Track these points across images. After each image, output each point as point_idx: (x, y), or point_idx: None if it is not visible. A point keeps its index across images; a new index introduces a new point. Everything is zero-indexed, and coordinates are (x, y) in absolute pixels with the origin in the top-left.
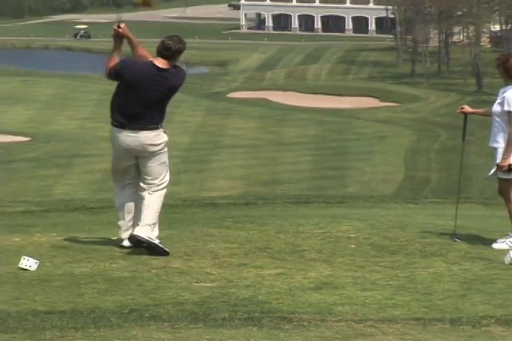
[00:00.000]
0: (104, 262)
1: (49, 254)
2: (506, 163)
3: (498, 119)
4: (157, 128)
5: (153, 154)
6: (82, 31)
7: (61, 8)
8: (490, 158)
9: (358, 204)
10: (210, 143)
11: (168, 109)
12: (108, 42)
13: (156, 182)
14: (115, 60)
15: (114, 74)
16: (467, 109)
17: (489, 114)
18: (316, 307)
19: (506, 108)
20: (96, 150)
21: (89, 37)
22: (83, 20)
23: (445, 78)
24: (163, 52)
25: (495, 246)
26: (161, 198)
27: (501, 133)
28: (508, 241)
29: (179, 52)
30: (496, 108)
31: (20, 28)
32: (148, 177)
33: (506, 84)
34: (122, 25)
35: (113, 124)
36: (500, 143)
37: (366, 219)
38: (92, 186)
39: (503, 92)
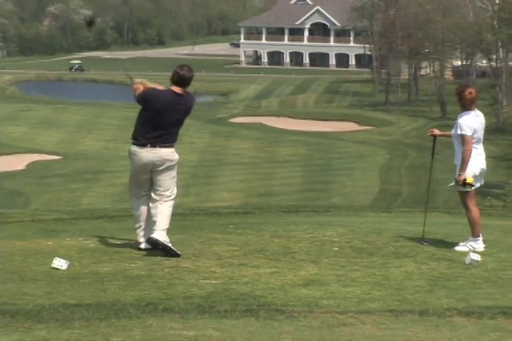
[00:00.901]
0: (124, 262)
1: (77, 256)
2: (461, 178)
3: (455, 141)
4: (173, 146)
5: (167, 168)
6: (76, 65)
7: (88, 46)
8: (453, 174)
9: (341, 213)
10: (214, 161)
11: (180, 132)
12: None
13: (167, 193)
14: (140, 88)
15: (141, 99)
16: (436, 132)
17: None
18: (305, 300)
19: (459, 131)
20: (117, 167)
21: (82, 70)
22: (107, 56)
23: (414, 106)
24: (179, 81)
25: (457, 248)
26: (171, 207)
27: (459, 153)
28: (468, 244)
29: (191, 79)
30: (453, 131)
31: (52, 63)
32: (161, 189)
33: (461, 111)
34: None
35: (135, 144)
36: (459, 161)
37: (347, 226)
38: (113, 197)
39: (458, 118)
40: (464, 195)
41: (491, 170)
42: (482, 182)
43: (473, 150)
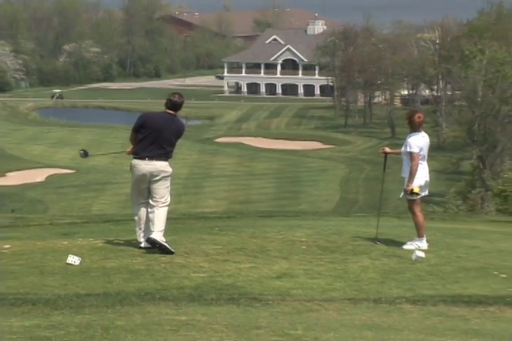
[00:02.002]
0: (127, 258)
1: (88, 253)
2: (409, 188)
3: (405, 157)
4: (167, 160)
5: (162, 179)
6: (57, 94)
7: (97, 78)
8: (401, 185)
9: (308, 217)
10: (202, 174)
11: (174, 150)
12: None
13: (162, 200)
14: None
15: (138, 126)
16: (387, 149)
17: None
18: (278, 290)
19: (408, 149)
20: (121, 179)
21: (62, 98)
22: (112, 87)
23: (369, 128)
24: (171, 106)
25: (405, 247)
26: (166, 212)
27: (407, 167)
28: (414, 243)
29: (182, 104)
30: (403, 149)
31: (67, 93)
32: (157, 196)
33: (410, 132)
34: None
35: (136, 157)
36: (406, 174)
37: (313, 228)
38: (118, 204)
39: (408, 138)
40: (411, 203)
41: (433, 182)
42: (426, 192)
43: (419, 165)
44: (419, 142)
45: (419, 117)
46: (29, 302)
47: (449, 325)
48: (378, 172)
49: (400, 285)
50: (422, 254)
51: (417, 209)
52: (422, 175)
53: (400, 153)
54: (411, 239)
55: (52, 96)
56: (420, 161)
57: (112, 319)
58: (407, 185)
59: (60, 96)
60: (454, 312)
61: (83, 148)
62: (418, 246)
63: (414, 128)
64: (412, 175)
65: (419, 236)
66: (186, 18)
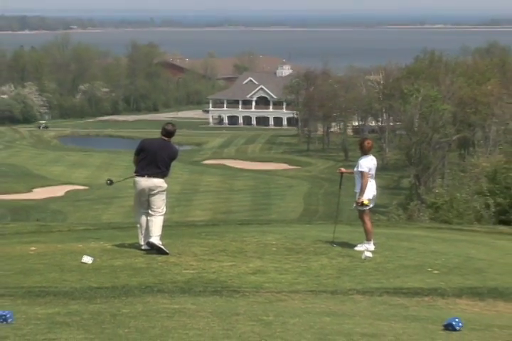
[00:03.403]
0: (131, 258)
1: (99, 254)
2: (360, 201)
3: (357, 176)
4: (163, 178)
5: (159, 193)
6: (42, 125)
7: (106, 112)
8: (353, 198)
9: (277, 225)
10: (191, 190)
11: (170, 171)
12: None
13: (159, 210)
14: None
15: (138, 150)
16: (343, 170)
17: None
18: (253, 284)
19: (359, 169)
20: (126, 194)
21: (47, 127)
22: (119, 119)
23: (326, 152)
24: (165, 133)
25: (356, 248)
26: (162, 220)
27: (359, 184)
28: (363, 245)
29: (174, 132)
30: (355, 169)
31: (82, 124)
32: (155, 207)
33: (361, 155)
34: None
35: (137, 175)
36: (358, 189)
37: (282, 233)
38: (123, 214)
39: (359, 160)
40: (361, 212)
41: (379, 196)
42: (373, 204)
43: (369, 182)
44: (368, 163)
45: (368, 143)
46: (51, 293)
47: (392, 311)
48: (335, 188)
49: (352, 280)
50: (370, 254)
51: (366, 218)
52: (371, 190)
53: (352, 173)
54: (361, 242)
55: (39, 127)
56: (369, 179)
57: (119, 307)
58: (358, 198)
59: (46, 127)
60: (396, 301)
61: (109, 177)
62: (367, 248)
63: (364, 152)
64: (362, 190)
65: (368, 239)
66: (178, 63)
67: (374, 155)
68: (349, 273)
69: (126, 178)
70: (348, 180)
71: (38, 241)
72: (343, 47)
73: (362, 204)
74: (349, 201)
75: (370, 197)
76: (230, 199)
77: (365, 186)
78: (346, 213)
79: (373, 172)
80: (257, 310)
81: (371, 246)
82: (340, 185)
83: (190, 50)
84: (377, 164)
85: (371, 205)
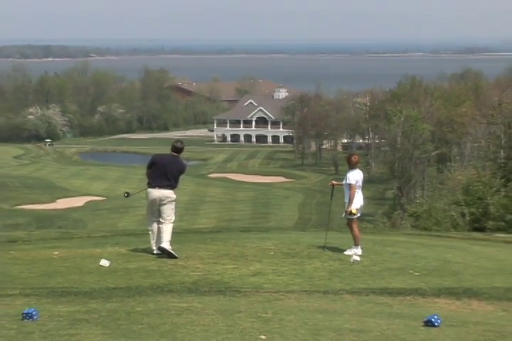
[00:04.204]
0: (144, 261)
1: (115, 258)
2: (349, 210)
3: (345, 188)
4: (172, 189)
5: (168, 203)
6: (48, 143)
7: (121, 130)
8: (343, 207)
9: (275, 232)
10: (198, 200)
11: (178, 183)
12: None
13: (169, 218)
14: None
15: (150, 164)
16: (334, 182)
17: None
18: (253, 285)
19: (348, 182)
20: (139, 204)
21: (53, 145)
22: (133, 137)
23: (319, 166)
24: (175, 149)
25: (345, 253)
26: (172, 227)
27: (347, 195)
28: (352, 250)
29: (183, 149)
30: (344, 181)
31: (100, 141)
32: (165, 215)
33: (349, 169)
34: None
35: (148, 186)
36: (347, 200)
37: (279, 239)
38: (137, 222)
39: (347, 173)
40: (350, 221)
41: (365, 206)
42: (360, 213)
43: (356, 193)
44: (355, 176)
45: (354, 158)
46: (72, 293)
47: (377, 309)
48: (326, 198)
49: (341, 281)
50: (358, 258)
51: (354, 226)
52: (359, 201)
53: (342, 185)
54: (350, 247)
55: (45, 144)
56: (357, 190)
57: (133, 306)
58: (347, 208)
59: (51, 144)
60: (381, 300)
61: (125, 191)
62: (355, 252)
63: (352, 166)
64: (350, 200)
65: (356, 245)
66: (186, 87)
67: (361, 169)
68: (339, 275)
69: (140, 191)
70: (339, 192)
71: (60, 246)
72: (334, 73)
73: (351, 213)
74: (339, 210)
75: (358, 206)
76: (232, 208)
77: (353, 197)
78: (337, 221)
79: (360, 184)
80: (257, 308)
81: (359, 251)
82: (332, 195)
83: (197, 75)
84: (364, 177)
85: (359, 214)
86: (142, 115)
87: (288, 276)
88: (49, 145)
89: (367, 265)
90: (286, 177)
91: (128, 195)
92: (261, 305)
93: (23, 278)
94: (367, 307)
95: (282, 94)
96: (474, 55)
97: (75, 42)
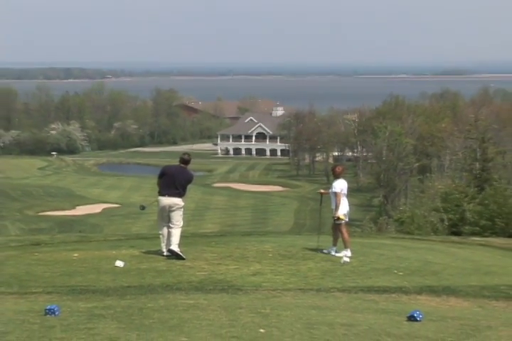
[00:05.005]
0: (155, 262)
1: (129, 259)
2: (336, 216)
3: (331, 195)
4: (180, 197)
5: (177, 209)
6: (55, 155)
7: (135, 144)
8: (331, 213)
9: (273, 235)
10: (203, 207)
11: (186, 192)
12: (142, 160)
13: (177, 223)
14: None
15: (160, 175)
16: (322, 191)
17: None
18: (253, 283)
19: (334, 190)
20: (151, 211)
21: (58, 156)
22: (145, 150)
23: (312, 177)
24: (182, 161)
25: (337, 254)
26: (180, 232)
27: (333, 202)
28: (342, 252)
29: (190, 160)
30: (330, 190)
31: (115, 154)
32: (174, 221)
33: (334, 179)
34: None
35: (159, 195)
36: (333, 206)
37: (276, 242)
38: (149, 227)
39: (333, 183)
40: (338, 226)
41: (354, 212)
42: (348, 218)
43: (342, 200)
44: (340, 185)
45: (338, 169)
46: (90, 291)
47: (365, 305)
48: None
49: (333, 280)
50: (348, 259)
51: (344, 230)
52: (345, 207)
53: (329, 193)
54: (340, 249)
55: (52, 156)
56: (343, 198)
57: (145, 302)
58: (335, 214)
59: (58, 156)
60: (369, 297)
61: (141, 204)
62: (345, 254)
63: (336, 176)
64: (337, 207)
65: (346, 247)
66: (193, 105)
67: (349, 179)
68: (331, 275)
69: (152, 202)
70: (328, 199)
71: (79, 248)
72: (326, 93)
73: (338, 218)
74: (329, 216)
75: (345, 212)
76: (234, 214)
77: (339, 204)
78: (327, 226)
79: (345, 191)
80: (257, 305)
81: (348, 253)
82: (321, 203)
83: (203, 95)
84: (353, 186)
85: (346, 219)
86: (153, 130)
87: (285, 276)
88: (56, 157)
89: (356, 265)
90: (282, 187)
91: (143, 207)
92: (260, 302)
93: (46, 277)
94: (356, 303)
95: (279, 111)
96: (452, 76)
97: (93, 65)
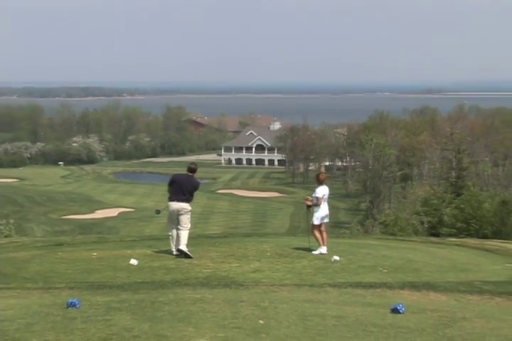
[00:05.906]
0: (165, 261)
1: (142, 258)
2: (308, 202)
3: (314, 200)
4: (188, 202)
5: (185, 213)
6: (62, 164)
7: (147, 155)
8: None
9: (271, 236)
10: (208, 211)
11: (193, 198)
12: (154, 169)
13: (185, 226)
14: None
15: (170, 182)
16: (308, 203)
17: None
18: (254, 280)
19: (315, 195)
20: (162, 214)
21: (65, 165)
22: (156, 160)
23: (306, 184)
24: (189, 170)
25: (314, 252)
26: (187, 233)
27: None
28: (318, 250)
29: (196, 169)
30: (313, 195)
31: (130, 164)
32: (182, 223)
33: (317, 185)
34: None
35: (169, 200)
36: (316, 208)
37: (274, 243)
38: (160, 229)
39: (316, 188)
40: (312, 227)
41: (343, 215)
42: (326, 220)
43: (323, 204)
44: (322, 191)
45: (322, 176)
46: (107, 286)
47: (353, 299)
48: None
49: (325, 276)
50: (338, 258)
51: (315, 231)
52: (323, 211)
53: (312, 201)
54: (316, 248)
55: (59, 165)
56: (323, 202)
57: (156, 296)
58: (308, 202)
59: (64, 164)
60: (357, 292)
61: (156, 208)
62: (320, 252)
63: (320, 182)
64: (315, 205)
65: (320, 245)
66: (199, 120)
67: (339, 186)
68: (323, 272)
69: (165, 207)
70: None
71: (98, 248)
72: (318, 109)
73: (307, 199)
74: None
75: (323, 215)
76: (236, 218)
77: (318, 205)
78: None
79: (326, 197)
80: (256, 299)
81: (323, 250)
82: (308, 208)
83: (208, 111)
84: (343, 192)
85: (325, 221)
86: (164, 143)
87: (281, 273)
88: (63, 165)
89: (345, 263)
90: (279, 193)
91: (158, 212)
92: (259, 296)
93: (68, 274)
94: (345, 297)
95: (277, 126)
96: (431, 94)
97: (110, 85)
